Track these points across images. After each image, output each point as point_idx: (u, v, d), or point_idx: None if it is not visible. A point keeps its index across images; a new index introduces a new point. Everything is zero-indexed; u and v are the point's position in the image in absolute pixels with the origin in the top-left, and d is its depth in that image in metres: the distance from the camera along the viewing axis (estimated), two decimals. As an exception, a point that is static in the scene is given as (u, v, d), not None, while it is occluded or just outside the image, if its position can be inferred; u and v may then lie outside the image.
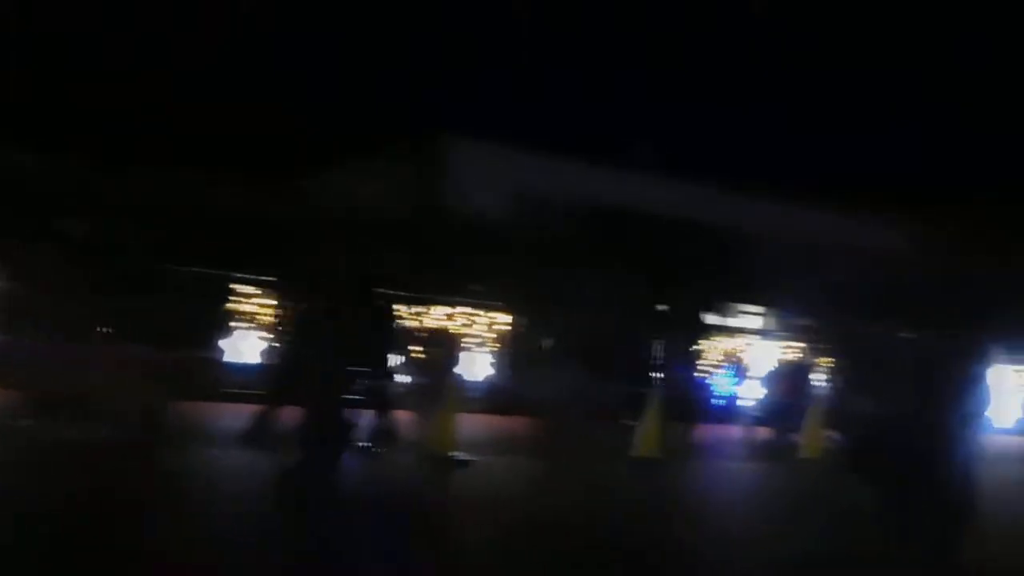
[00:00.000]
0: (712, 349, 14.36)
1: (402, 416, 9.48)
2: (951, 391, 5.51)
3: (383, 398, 8.95)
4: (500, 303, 12.45)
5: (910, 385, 5.65)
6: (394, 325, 7.95)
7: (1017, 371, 17.27)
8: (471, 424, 11.29)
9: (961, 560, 5.38)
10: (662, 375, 11.43)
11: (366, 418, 8.87)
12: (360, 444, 8.81)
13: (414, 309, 11.86)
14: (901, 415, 5.62)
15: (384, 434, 8.87)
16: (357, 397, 8.81)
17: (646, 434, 10.51)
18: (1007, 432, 16.68)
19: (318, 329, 7.18)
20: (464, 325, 12.30)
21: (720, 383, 14.28)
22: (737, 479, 10.34)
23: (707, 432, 13.37)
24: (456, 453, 9.08)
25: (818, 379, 13.52)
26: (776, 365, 13.99)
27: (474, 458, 9.09)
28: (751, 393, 13.99)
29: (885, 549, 5.57)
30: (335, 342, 7.06)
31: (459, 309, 12.33)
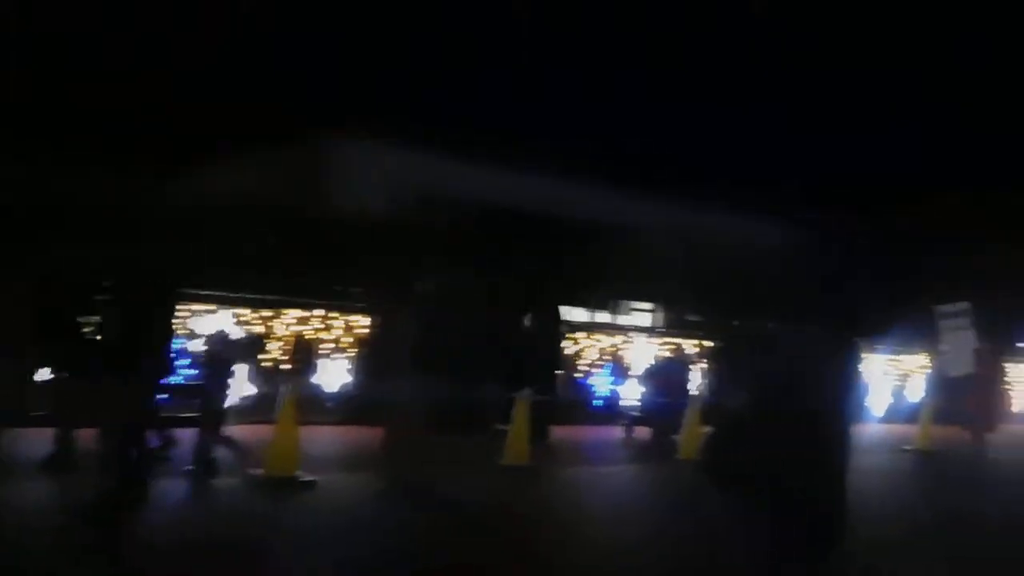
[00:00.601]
0: (590, 347, 13.74)
1: (241, 432, 8.41)
2: (823, 385, 4.91)
3: (210, 414, 7.81)
4: (359, 304, 11.41)
5: (779, 379, 5.09)
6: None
7: (889, 361, 17.50)
8: (322, 438, 10.27)
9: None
10: (535, 377, 10.70)
11: (193, 437, 7.77)
12: (186, 468, 7.70)
13: (261, 312, 10.69)
14: (765, 411, 5.03)
15: (211, 455, 7.73)
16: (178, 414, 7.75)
17: (514, 440, 9.74)
18: (879, 420, 16.86)
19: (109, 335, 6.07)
20: (319, 329, 11.20)
21: (598, 383, 13.68)
22: (606, 485, 9.66)
23: (584, 434, 12.78)
24: (298, 473, 8.04)
25: (697, 376, 13.12)
26: (653, 362, 13.51)
27: (317, 478, 8.05)
28: (631, 392, 13.44)
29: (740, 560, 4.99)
30: (131, 349, 5.98)
31: (314, 312, 11.21)
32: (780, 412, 4.90)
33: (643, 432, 12.52)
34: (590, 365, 13.69)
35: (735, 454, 5.14)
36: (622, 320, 14.96)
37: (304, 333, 11.01)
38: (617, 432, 12.81)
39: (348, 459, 9.26)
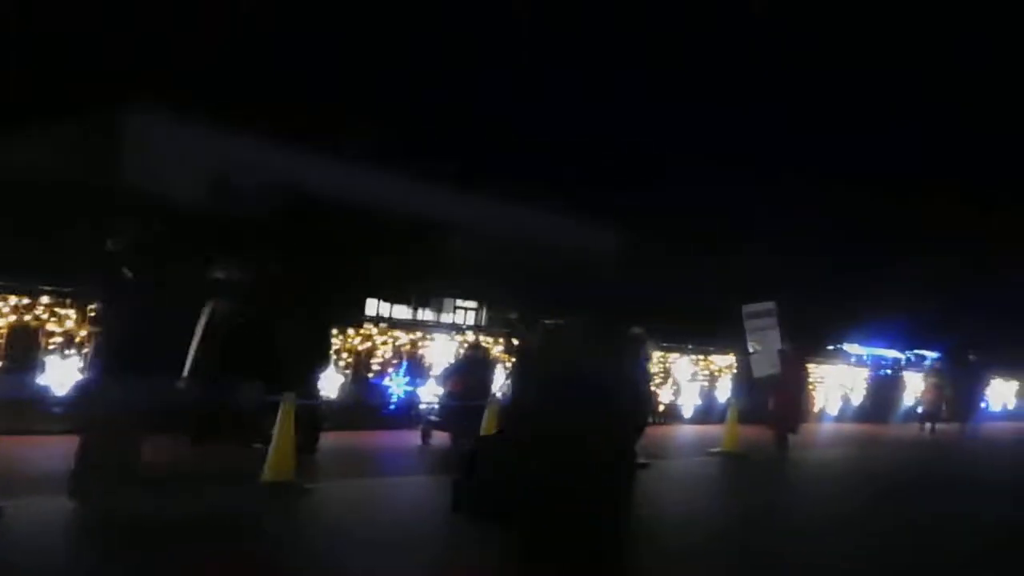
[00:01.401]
0: (385, 345, 12.54)
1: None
2: (609, 387, 4.26)
3: None
4: (94, 292, 9.63)
5: (562, 380, 4.34)
6: None
7: (697, 360, 17.39)
8: (39, 451, 8.56)
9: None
10: (307, 378, 9.42)
11: None
12: None
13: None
14: (545, 416, 4.24)
15: None
16: None
17: (277, 452, 8.40)
18: (688, 421, 16.74)
19: None
20: (45, 319, 9.36)
21: (393, 384, 12.50)
22: (378, 503, 8.52)
23: (374, 441, 11.58)
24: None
25: (500, 375, 12.23)
26: (453, 360, 12.51)
27: (7, 503, 6.42)
28: (430, 394, 12.36)
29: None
30: None
31: (40, 299, 9.36)
32: (561, 415, 4.22)
33: (443, 437, 11.52)
34: (385, 364, 12.49)
35: (491, 472, 4.32)
36: (422, 316, 13.96)
37: (25, 323, 9.15)
38: (413, 437, 11.72)
39: (62, 478, 7.58)
